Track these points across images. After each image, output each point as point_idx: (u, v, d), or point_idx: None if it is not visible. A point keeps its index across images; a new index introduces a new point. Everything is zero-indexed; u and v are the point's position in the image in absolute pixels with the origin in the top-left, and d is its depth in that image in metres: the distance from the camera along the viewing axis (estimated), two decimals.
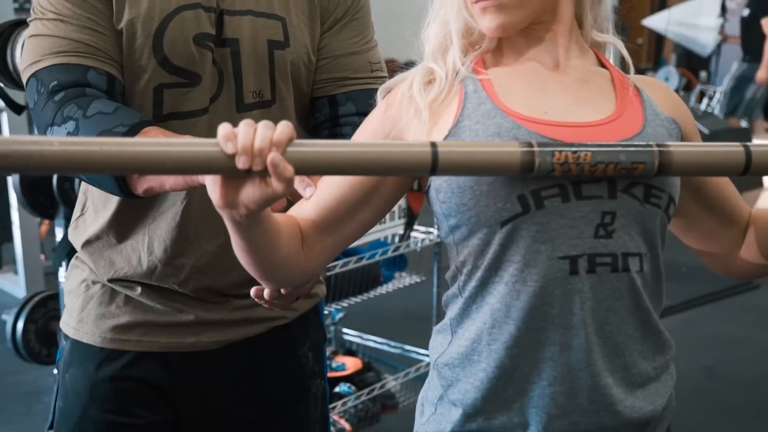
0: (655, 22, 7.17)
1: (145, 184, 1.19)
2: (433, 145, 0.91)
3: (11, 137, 0.83)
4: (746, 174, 0.97)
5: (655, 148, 0.95)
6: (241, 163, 0.85)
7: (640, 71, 1.14)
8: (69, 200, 2.70)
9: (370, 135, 1.09)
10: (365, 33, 1.44)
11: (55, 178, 2.61)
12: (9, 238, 4.13)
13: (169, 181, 1.17)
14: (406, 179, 1.08)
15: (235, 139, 0.85)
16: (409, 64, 1.14)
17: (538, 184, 0.98)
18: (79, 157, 0.83)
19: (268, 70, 1.34)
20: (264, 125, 0.87)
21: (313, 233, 1.06)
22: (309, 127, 1.44)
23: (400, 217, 2.55)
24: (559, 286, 0.99)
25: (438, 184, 1.03)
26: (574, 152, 0.94)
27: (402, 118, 1.06)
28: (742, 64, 7.15)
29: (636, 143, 0.97)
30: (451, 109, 1.05)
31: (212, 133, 1.21)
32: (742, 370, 3.53)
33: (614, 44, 1.13)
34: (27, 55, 1.27)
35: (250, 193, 0.88)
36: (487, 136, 1.00)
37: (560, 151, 0.94)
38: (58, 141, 0.83)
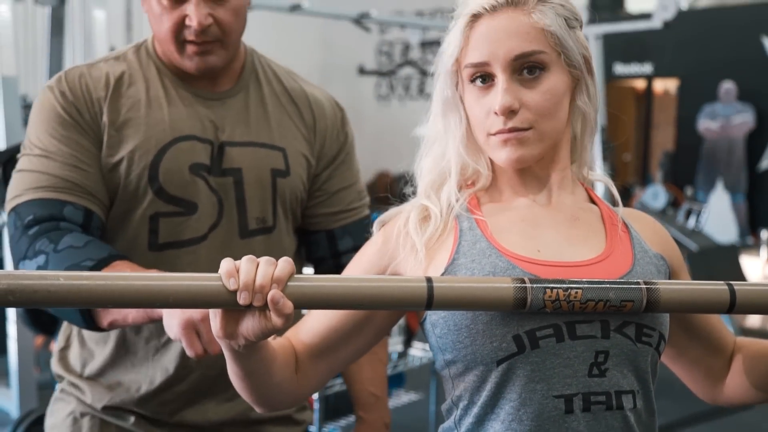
0: None
1: (109, 317, 1.21)
2: (429, 280, 0.94)
3: (18, 272, 0.85)
4: (731, 312, 1.01)
5: (643, 286, 0.99)
6: (242, 299, 0.88)
7: (626, 188, 1.19)
8: None
9: (367, 266, 1.11)
10: (354, 164, 1.52)
11: None
12: (3, 351, 4.11)
13: (131, 314, 1.19)
14: (399, 310, 1.11)
15: (237, 275, 0.88)
16: (400, 178, 1.18)
17: (533, 324, 1.00)
18: (84, 291, 0.86)
19: (271, 197, 1.40)
20: (266, 262, 0.90)
21: (306, 358, 1.08)
22: (303, 255, 1.51)
23: (398, 335, 2.59)
24: (554, 425, 1.00)
25: (434, 319, 1.05)
26: (565, 290, 0.97)
27: (399, 254, 1.08)
28: None
29: (625, 281, 1.00)
30: (447, 246, 1.07)
31: (212, 262, 1.25)
32: None
33: (605, 182, 1.17)
34: (10, 189, 1.30)
35: (249, 325, 0.91)
36: (483, 275, 1.02)
37: (552, 289, 0.97)
38: (64, 276, 0.86)
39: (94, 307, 0.91)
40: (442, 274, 1.05)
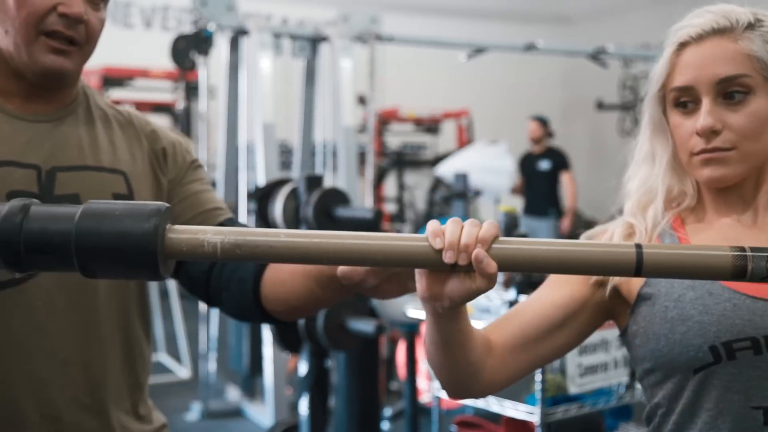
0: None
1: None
2: (638, 246, 0.91)
3: (245, 229, 0.91)
4: None
5: None
6: (447, 257, 0.89)
7: None
8: (314, 337, 2.98)
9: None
10: (207, 180, 1.43)
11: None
12: (260, 371, 4.54)
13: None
14: (603, 312, 1.14)
15: (442, 235, 0.90)
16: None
17: (729, 336, 1.02)
18: (301, 248, 0.89)
19: None
20: (470, 223, 0.91)
21: (508, 348, 1.12)
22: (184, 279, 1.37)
23: (624, 366, 2.56)
24: None
25: (634, 329, 1.10)
26: None
27: None
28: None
29: None
30: None
31: (48, 301, 1.20)
32: None
33: None
34: None
35: (454, 286, 0.92)
36: (682, 288, 1.06)
37: None
38: (284, 233, 0.90)
39: (308, 263, 0.92)
40: (642, 287, 1.09)
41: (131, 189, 1.32)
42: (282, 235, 0.90)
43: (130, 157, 1.34)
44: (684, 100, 1.10)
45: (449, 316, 1.00)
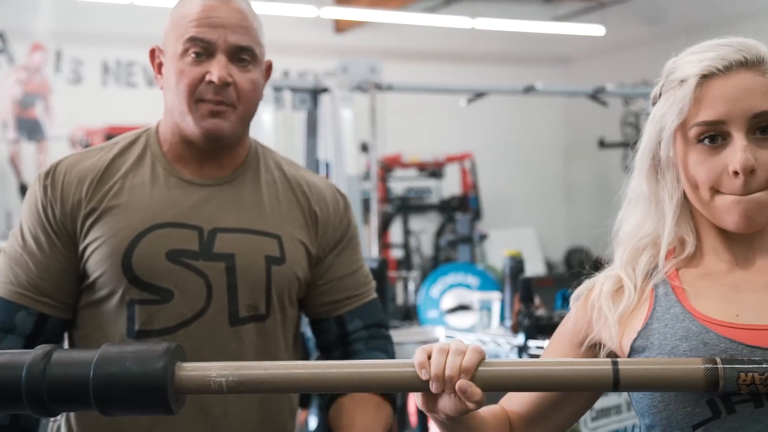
0: None
1: None
2: (614, 363, 0.97)
3: (244, 364, 1.00)
4: None
5: None
6: (434, 388, 0.98)
7: None
8: None
9: (564, 341, 1.15)
10: (358, 250, 1.53)
11: None
12: None
13: None
14: None
15: (428, 366, 0.98)
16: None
17: None
18: (302, 378, 0.99)
19: (265, 284, 1.39)
20: (454, 352, 0.98)
21: (521, 426, 1.14)
22: (299, 342, 1.51)
23: None
24: None
25: None
26: (762, 373, 0.94)
27: (594, 328, 1.11)
28: None
29: None
30: (642, 312, 1.08)
31: (197, 349, 1.33)
32: None
33: None
34: None
35: (446, 404, 1.00)
36: (675, 340, 1.03)
37: (746, 373, 0.95)
38: (282, 365, 1.01)
39: (302, 392, 1.03)
40: (635, 339, 1.06)
41: (284, 252, 1.41)
42: (281, 367, 1.00)
43: (287, 221, 1.43)
44: (708, 135, 1.04)
45: (453, 422, 1.04)
